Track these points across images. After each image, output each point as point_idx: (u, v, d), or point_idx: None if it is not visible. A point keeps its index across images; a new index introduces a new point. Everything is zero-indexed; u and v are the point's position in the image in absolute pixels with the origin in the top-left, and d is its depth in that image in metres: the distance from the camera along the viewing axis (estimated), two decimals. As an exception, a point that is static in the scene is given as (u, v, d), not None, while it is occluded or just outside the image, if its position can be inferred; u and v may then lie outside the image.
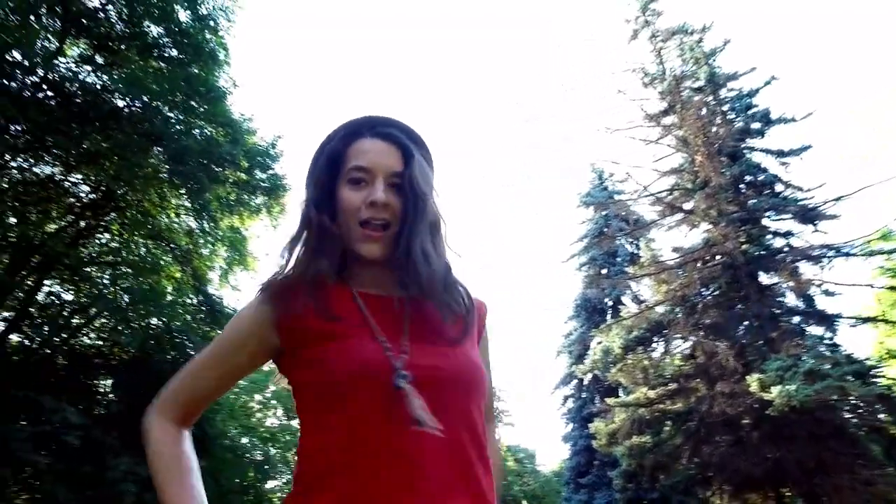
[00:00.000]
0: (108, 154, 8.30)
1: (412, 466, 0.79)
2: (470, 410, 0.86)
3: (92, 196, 9.62)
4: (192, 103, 8.56)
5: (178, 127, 8.38)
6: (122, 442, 8.67)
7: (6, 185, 8.99)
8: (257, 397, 21.05)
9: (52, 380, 9.41)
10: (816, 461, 9.05)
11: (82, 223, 10.26)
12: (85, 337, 11.11)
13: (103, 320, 10.60)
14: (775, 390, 7.90)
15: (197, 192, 8.65)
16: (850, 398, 8.56)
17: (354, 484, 0.78)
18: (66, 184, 9.77)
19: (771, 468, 9.88)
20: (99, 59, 9.10)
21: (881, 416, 10.07)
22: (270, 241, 11.15)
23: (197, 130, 8.77)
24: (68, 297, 10.80)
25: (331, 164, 0.95)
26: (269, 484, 17.85)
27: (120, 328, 10.73)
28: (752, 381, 8.42)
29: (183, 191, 9.01)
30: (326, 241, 0.92)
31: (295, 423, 23.39)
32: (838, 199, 10.54)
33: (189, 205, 9.49)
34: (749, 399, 9.32)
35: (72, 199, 10.12)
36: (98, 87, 8.56)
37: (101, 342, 11.18)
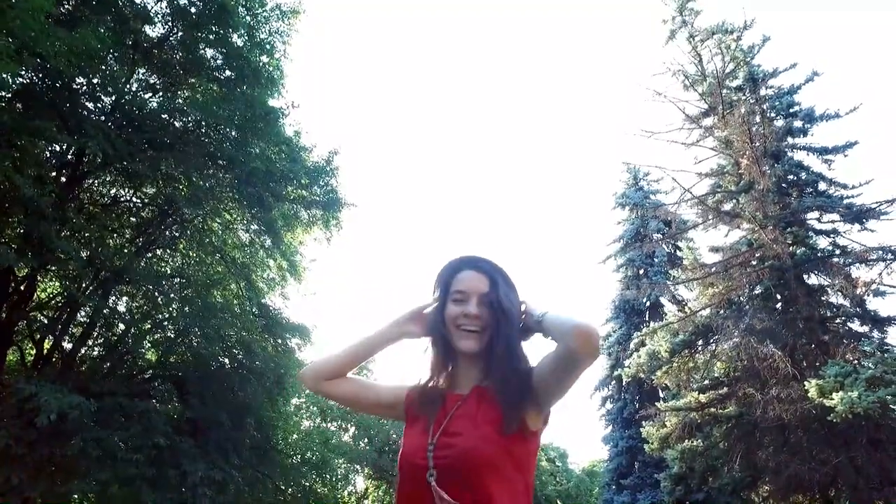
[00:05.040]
0: (173, 175, 8.64)
1: None
2: (477, 486, 1.10)
3: (155, 213, 10.01)
4: (252, 124, 8.86)
5: (244, 149, 8.69)
6: (197, 448, 9.09)
7: (77, 205, 9.44)
8: (294, 401, 21.56)
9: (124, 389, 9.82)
10: (877, 468, 8.98)
11: (140, 240, 10.71)
12: (146, 349, 11.60)
13: (168, 333, 11.00)
14: (836, 397, 7.88)
15: (265, 210, 9.04)
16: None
17: None
18: (132, 203, 10.20)
19: (827, 473, 9.83)
20: (160, 85, 9.47)
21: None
22: (325, 254, 11.40)
23: (256, 149, 9.07)
24: (131, 308, 11.28)
25: (443, 290, 1.36)
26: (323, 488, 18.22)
27: (180, 339, 11.17)
28: (811, 387, 8.39)
29: (249, 208, 9.37)
30: (445, 350, 1.32)
31: (329, 425, 23.88)
32: (894, 200, 10.36)
33: (251, 221, 9.82)
34: (804, 404, 9.28)
35: (134, 219, 10.57)
36: (163, 111, 8.90)
37: (161, 354, 11.67)
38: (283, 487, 12.69)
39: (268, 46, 9.35)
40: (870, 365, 8.28)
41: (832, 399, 7.98)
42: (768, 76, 13.79)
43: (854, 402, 7.68)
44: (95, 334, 10.97)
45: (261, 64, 9.27)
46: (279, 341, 11.26)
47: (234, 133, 9.13)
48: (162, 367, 11.40)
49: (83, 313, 10.60)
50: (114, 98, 9.06)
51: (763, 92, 13.85)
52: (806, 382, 8.64)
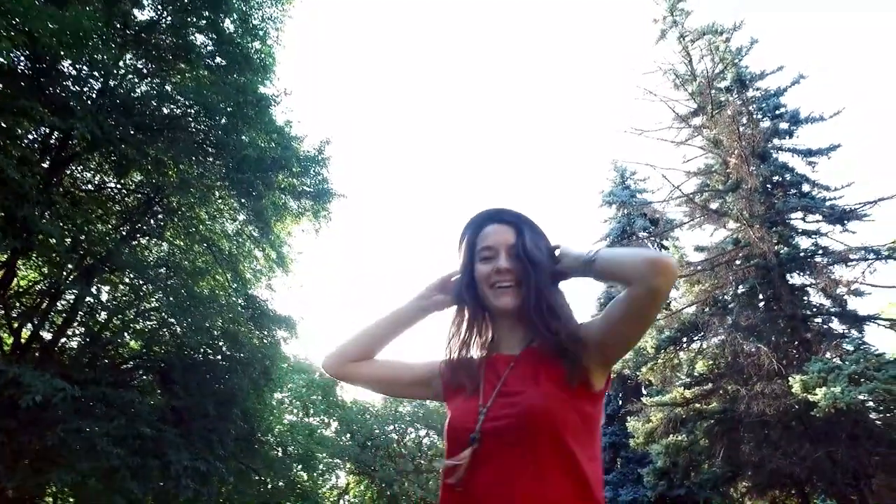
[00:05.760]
0: (162, 161, 8.49)
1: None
2: (537, 447, 1.03)
3: (141, 201, 9.83)
4: (243, 112, 8.73)
5: (234, 137, 8.56)
6: (181, 438, 8.96)
7: (61, 192, 9.23)
8: (277, 395, 21.40)
9: (108, 378, 9.64)
10: (855, 462, 9.19)
11: (126, 228, 10.51)
12: (130, 338, 11.40)
13: (152, 322, 10.83)
14: (820, 392, 8.04)
15: (255, 198, 8.89)
16: (892, 401, 8.66)
17: None
18: (116, 189, 10.00)
19: (806, 468, 10.03)
20: (149, 70, 9.29)
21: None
22: (314, 245, 11.30)
23: (246, 137, 8.94)
24: (115, 297, 11.07)
25: (469, 251, 1.29)
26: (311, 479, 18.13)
27: (165, 329, 10.99)
28: (795, 382, 8.55)
29: (239, 197, 9.22)
30: (481, 314, 1.26)
31: (312, 420, 23.74)
32: (876, 201, 10.60)
33: (240, 210, 9.68)
34: (787, 400, 9.46)
35: (119, 206, 10.36)
36: (152, 97, 8.73)
37: (144, 343, 11.47)
38: (267, 480, 12.57)
39: (260, 33, 9.22)
40: (851, 362, 8.46)
41: (816, 394, 8.14)
42: (756, 78, 14.00)
43: (837, 397, 7.84)
44: (77, 323, 10.75)
45: (253, 50, 9.13)
46: (265, 332, 11.12)
47: (224, 120, 8.97)
48: (146, 356, 11.22)
49: (64, 301, 10.40)
50: (101, 82, 8.87)
51: (750, 93, 14.06)
52: (790, 378, 8.81)
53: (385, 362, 1.36)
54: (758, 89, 14.07)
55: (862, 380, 8.30)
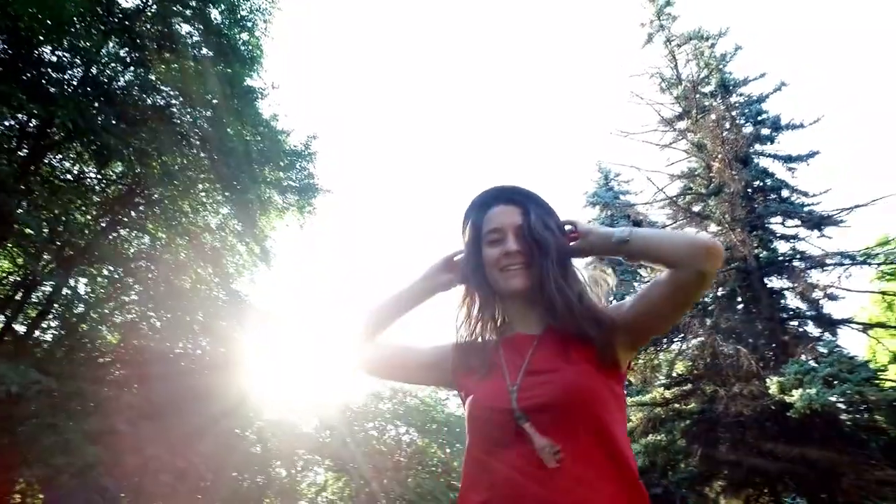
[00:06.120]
0: (145, 152, 8.33)
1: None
2: (575, 426, 1.00)
3: (123, 192, 9.63)
4: (229, 104, 8.60)
5: (220, 129, 8.42)
6: (157, 433, 8.82)
7: (39, 180, 8.99)
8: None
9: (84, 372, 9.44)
10: (827, 462, 9.41)
11: (105, 219, 10.29)
12: (108, 331, 11.17)
13: (131, 316, 10.63)
14: (796, 394, 8.22)
15: (239, 192, 8.75)
16: (863, 402, 8.90)
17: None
18: (97, 180, 9.78)
19: (781, 467, 10.24)
20: (132, 59, 9.09)
21: (878, 417, 10.53)
22: (298, 241, 11.23)
23: (231, 130, 8.81)
24: (91, 289, 10.84)
25: (474, 234, 1.23)
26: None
27: (144, 323, 10.79)
28: (772, 383, 8.74)
29: (223, 190, 9.08)
30: (484, 297, 1.21)
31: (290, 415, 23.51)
32: (852, 208, 10.85)
33: (223, 204, 9.54)
34: (764, 400, 9.65)
35: (98, 198, 10.13)
36: (135, 86, 8.56)
37: (123, 337, 11.25)
38: (246, 476, 12.45)
39: (248, 24, 9.08)
40: (826, 364, 8.66)
41: (792, 396, 8.32)
42: (739, 84, 14.22)
43: (812, 398, 8.02)
44: (52, 315, 10.51)
45: (240, 41, 8.99)
46: (247, 327, 11.00)
47: (209, 112, 8.83)
48: (124, 350, 11.00)
49: (40, 293, 10.15)
50: (83, 69, 8.67)
51: (734, 99, 14.28)
52: (768, 380, 8.98)
53: (391, 346, 1.30)
54: (741, 95, 14.29)
55: (835, 382, 8.51)
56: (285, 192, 10.26)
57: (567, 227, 1.21)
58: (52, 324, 10.83)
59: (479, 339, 1.22)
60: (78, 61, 8.63)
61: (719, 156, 11.91)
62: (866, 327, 11.01)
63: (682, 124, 14.29)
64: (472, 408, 1.09)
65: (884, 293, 15.12)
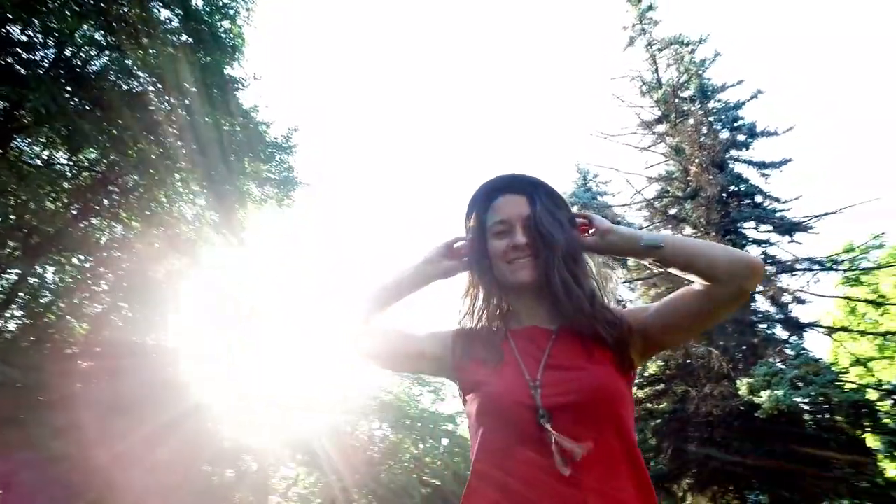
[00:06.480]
0: (121, 138, 8.11)
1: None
2: (601, 425, 0.98)
3: (96, 179, 9.37)
4: (209, 92, 8.42)
5: (199, 118, 8.24)
6: (127, 428, 8.64)
7: (6, 165, 8.68)
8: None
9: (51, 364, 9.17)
10: (791, 460, 9.71)
11: (76, 207, 9.99)
12: (76, 321, 10.87)
13: (99, 306, 10.37)
14: (765, 395, 8.46)
15: (216, 182, 8.58)
16: (826, 403, 9.20)
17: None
18: (68, 166, 9.49)
19: (747, 466, 10.53)
20: (108, 43, 8.83)
21: (837, 417, 10.94)
22: (278, 233, 11.09)
23: (210, 119, 8.63)
24: (60, 278, 10.54)
25: (480, 225, 1.19)
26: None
27: (114, 314, 10.54)
28: (742, 385, 8.97)
29: (200, 180, 8.88)
30: (490, 289, 1.17)
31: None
32: (822, 215, 11.17)
33: (201, 193, 9.35)
34: (733, 401, 9.90)
35: (70, 184, 9.83)
36: (111, 71, 8.32)
37: (90, 328, 10.96)
38: (217, 470, 12.29)
39: (230, 11, 8.89)
40: (793, 367, 8.92)
41: (761, 397, 8.56)
42: (717, 90, 14.46)
43: (779, 399, 8.26)
44: (17, 304, 10.18)
45: (222, 29, 8.80)
46: (224, 320, 10.84)
47: (188, 100, 8.63)
48: (93, 342, 10.72)
49: (5, 281, 9.83)
50: (55, 51, 8.39)
51: (711, 104, 14.55)
52: (738, 381, 9.21)
53: (390, 331, 1.22)
54: (719, 101, 14.55)
55: (801, 384, 8.77)
56: (264, 185, 10.11)
57: (578, 220, 1.17)
58: (17, 313, 10.51)
59: (485, 329, 1.17)
60: (51, 42, 8.36)
61: (697, 160, 12.13)
62: (831, 331, 11.36)
63: (661, 128, 14.50)
64: (488, 399, 1.04)
65: (848, 298, 15.69)
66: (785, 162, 13.79)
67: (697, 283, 1.04)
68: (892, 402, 10.31)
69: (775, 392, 8.37)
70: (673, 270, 1.08)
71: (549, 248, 1.09)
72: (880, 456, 10.90)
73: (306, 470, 25.17)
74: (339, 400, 24.80)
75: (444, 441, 24.05)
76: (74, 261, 10.14)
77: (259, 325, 11.91)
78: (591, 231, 1.15)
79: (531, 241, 1.11)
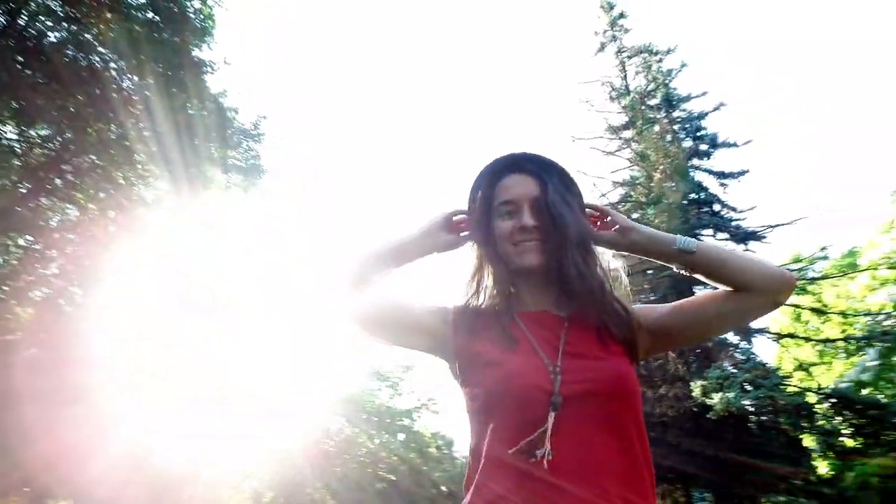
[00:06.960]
0: (79, 115, 7.73)
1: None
2: (622, 419, 0.95)
3: (51, 157, 8.90)
4: (176, 73, 8.11)
5: (164, 99, 7.91)
6: (78, 419, 8.29)
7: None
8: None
9: None
10: (737, 459, 10.15)
11: (25, 187, 9.47)
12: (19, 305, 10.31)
13: (46, 290, 9.88)
14: (716, 397, 8.81)
15: (180, 166, 8.27)
16: (771, 405, 9.64)
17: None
18: (17, 141, 8.98)
19: (696, 464, 10.95)
20: (66, 14, 8.38)
21: (780, 419, 11.53)
22: (239, 220, 10.80)
23: (176, 102, 8.31)
24: (4, 260, 9.98)
25: (485, 204, 1.13)
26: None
27: (61, 300, 10.05)
28: (696, 387, 9.31)
29: (163, 163, 8.54)
30: (497, 270, 1.11)
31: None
32: (775, 226, 11.67)
33: (163, 177, 9.00)
34: (686, 402, 10.26)
35: (18, 161, 9.31)
36: (68, 45, 7.90)
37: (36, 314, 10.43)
38: (169, 464, 11.95)
39: (200, -11, 8.57)
40: (743, 370, 9.32)
41: (713, 399, 8.90)
42: (683, 100, 14.89)
43: (730, 401, 8.62)
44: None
45: (191, 9, 8.47)
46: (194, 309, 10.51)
47: (152, 80, 8.28)
48: (37, 329, 10.20)
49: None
50: (5, 19, 7.91)
51: (676, 114, 14.97)
52: (692, 383, 9.55)
53: (385, 298, 1.12)
54: (683, 110, 14.99)
55: (750, 387, 9.17)
56: (230, 171, 9.82)
57: (589, 212, 1.13)
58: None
59: (490, 309, 1.11)
60: (0, 9, 7.88)
61: (661, 167, 12.45)
62: (779, 337, 11.90)
63: (627, 133, 14.82)
64: (505, 379, 0.98)
65: (795, 306, 16.45)
66: (742, 173, 14.30)
67: (725, 291, 1.05)
68: (829, 404, 10.91)
69: (727, 394, 8.73)
70: (698, 276, 1.07)
71: (560, 232, 1.04)
72: (815, 455, 11.51)
73: (259, 463, 24.79)
74: (296, 392, 24.48)
75: (401, 436, 24.05)
76: (21, 241, 9.61)
77: (228, 314, 11.60)
78: (613, 228, 1.12)
79: (540, 223, 1.06)
